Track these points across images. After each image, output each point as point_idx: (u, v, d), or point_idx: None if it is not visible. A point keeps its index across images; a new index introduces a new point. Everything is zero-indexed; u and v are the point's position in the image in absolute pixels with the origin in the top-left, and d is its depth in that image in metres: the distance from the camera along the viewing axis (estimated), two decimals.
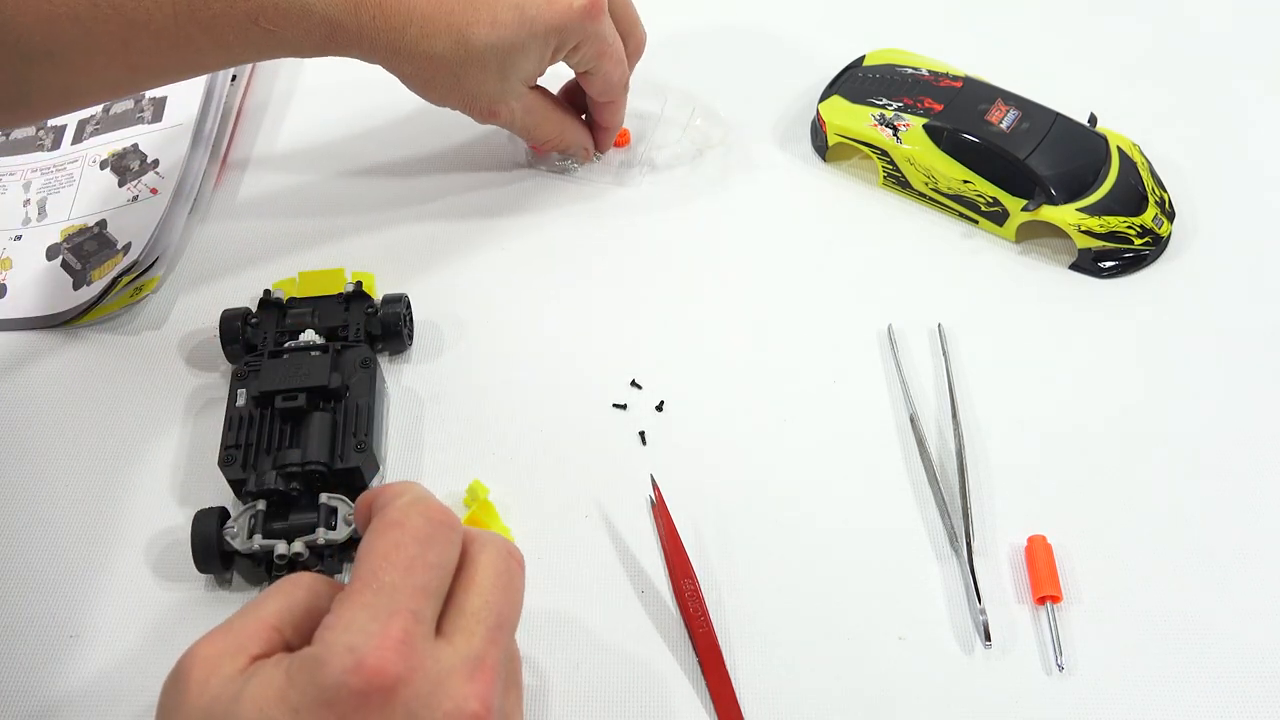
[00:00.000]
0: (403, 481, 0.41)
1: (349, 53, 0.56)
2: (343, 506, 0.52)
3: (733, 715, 0.48)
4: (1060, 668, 0.49)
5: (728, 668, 0.49)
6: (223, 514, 0.52)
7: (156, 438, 0.58)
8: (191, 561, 0.51)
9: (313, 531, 0.51)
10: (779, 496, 0.55)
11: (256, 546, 0.50)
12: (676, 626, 0.51)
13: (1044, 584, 0.51)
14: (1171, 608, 0.51)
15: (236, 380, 0.56)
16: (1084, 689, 0.49)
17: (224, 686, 0.36)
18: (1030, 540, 0.52)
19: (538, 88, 0.63)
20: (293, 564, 0.50)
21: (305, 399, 0.54)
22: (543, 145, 0.67)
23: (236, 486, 0.53)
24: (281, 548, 0.50)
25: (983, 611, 0.50)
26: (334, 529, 0.51)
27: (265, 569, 0.52)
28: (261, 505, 0.52)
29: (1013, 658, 0.50)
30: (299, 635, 0.38)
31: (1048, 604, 0.50)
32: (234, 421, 0.54)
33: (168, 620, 0.52)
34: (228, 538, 0.51)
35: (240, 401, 0.55)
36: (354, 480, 0.54)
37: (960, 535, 0.53)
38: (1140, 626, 0.50)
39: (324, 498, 0.52)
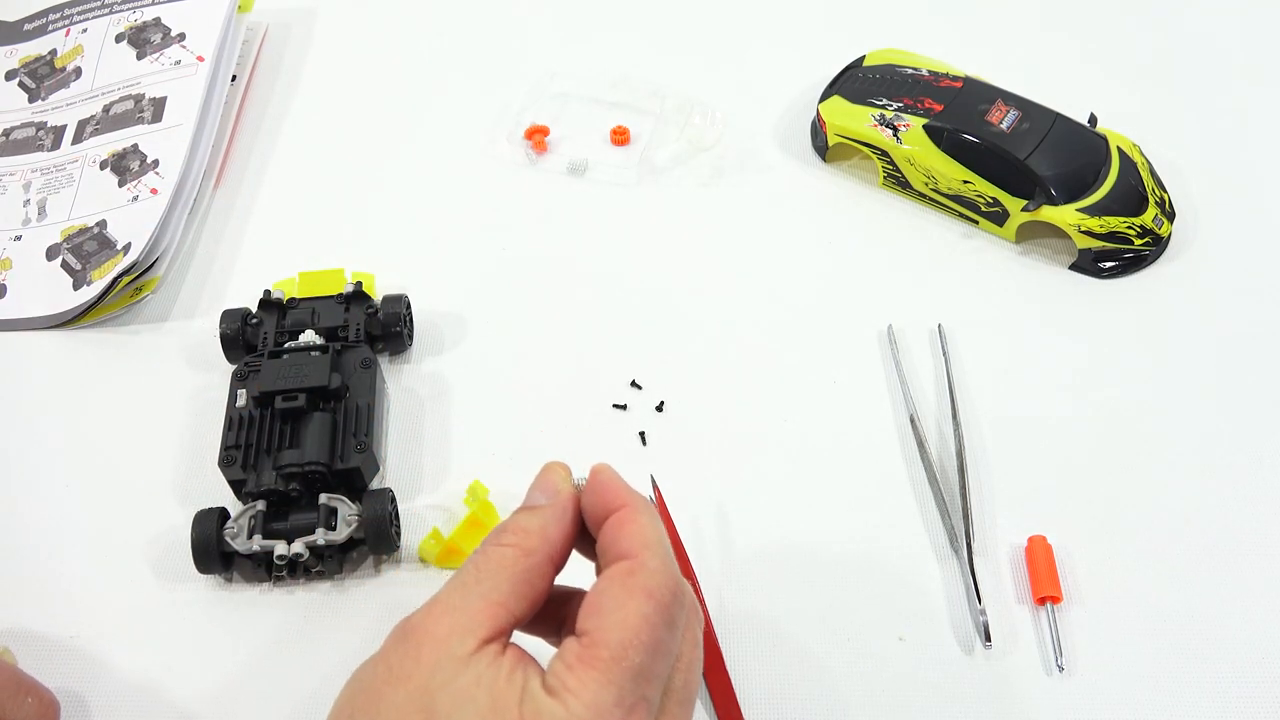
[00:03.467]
0: (645, 516, 0.39)
1: None
2: (342, 507, 0.52)
3: (733, 715, 0.48)
4: (1060, 668, 0.49)
5: (728, 668, 0.49)
6: (223, 514, 0.52)
7: (156, 438, 0.58)
8: (191, 561, 0.51)
9: (313, 532, 0.51)
10: (779, 496, 0.55)
11: (256, 547, 0.50)
12: None
13: (1044, 584, 0.51)
14: (1171, 608, 0.51)
15: (236, 380, 0.56)
16: (1084, 689, 0.49)
17: (453, 674, 0.36)
18: (1030, 540, 0.52)
19: None
20: (293, 565, 0.50)
21: (305, 399, 0.54)
22: None
23: (236, 487, 0.53)
24: (281, 548, 0.50)
25: (983, 612, 0.50)
26: (334, 529, 0.51)
27: (265, 569, 0.52)
28: (261, 506, 0.52)
29: (1013, 658, 0.50)
30: (524, 605, 0.38)
31: (1048, 604, 0.50)
32: (234, 421, 0.54)
33: (168, 620, 0.52)
34: (228, 538, 0.51)
35: (240, 401, 0.55)
36: (354, 480, 0.54)
37: (960, 535, 0.53)
38: (1140, 626, 0.50)
39: (324, 498, 0.52)
